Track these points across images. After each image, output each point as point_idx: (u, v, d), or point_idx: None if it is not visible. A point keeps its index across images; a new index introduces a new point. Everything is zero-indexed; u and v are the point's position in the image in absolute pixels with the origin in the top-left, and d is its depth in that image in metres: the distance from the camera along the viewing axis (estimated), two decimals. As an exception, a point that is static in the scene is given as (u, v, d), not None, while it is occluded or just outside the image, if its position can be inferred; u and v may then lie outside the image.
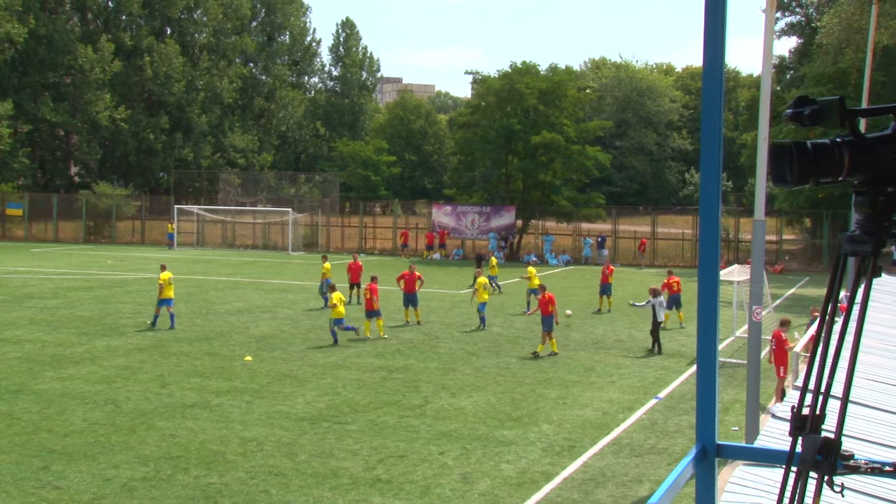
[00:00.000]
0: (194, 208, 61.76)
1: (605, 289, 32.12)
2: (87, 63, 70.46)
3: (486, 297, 27.82)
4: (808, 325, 21.96)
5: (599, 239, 54.09)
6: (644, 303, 25.18)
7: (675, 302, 28.71)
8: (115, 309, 29.53)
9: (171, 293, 26.51)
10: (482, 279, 28.04)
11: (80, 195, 65.66)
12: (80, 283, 37.04)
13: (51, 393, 18.21)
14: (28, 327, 25.89)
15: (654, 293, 24.69)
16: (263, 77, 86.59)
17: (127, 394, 18.23)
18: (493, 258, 38.29)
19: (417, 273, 28.60)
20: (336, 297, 24.45)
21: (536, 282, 31.09)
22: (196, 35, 79.99)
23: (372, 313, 25.51)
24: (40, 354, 22.07)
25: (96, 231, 63.46)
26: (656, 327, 24.39)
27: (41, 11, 70.52)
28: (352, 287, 32.05)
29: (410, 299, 27.94)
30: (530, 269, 32.54)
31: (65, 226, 63.26)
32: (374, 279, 26.48)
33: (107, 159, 75.81)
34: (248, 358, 22.01)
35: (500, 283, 35.31)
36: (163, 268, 27.26)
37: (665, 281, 29.64)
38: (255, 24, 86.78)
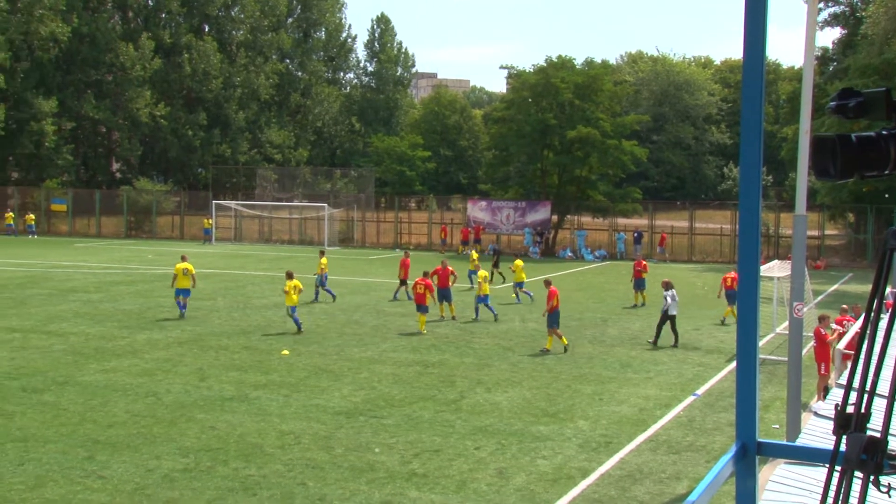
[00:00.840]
0: (232, 203, 62.25)
1: (639, 284, 32.00)
2: (128, 61, 71.32)
3: (487, 289, 28.14)
4: (842, 318, 21.59)
5: (636, 234, 53.75)
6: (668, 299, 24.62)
7: (732, 297, 28.36)
8: (156, 303, 29.86)
9: (186, 284, 26.99)
10: (483, 272, 28.60)
11: (122, 191, 66.50)
12: (121, 277, 37.51)
13: (95, 385, 18.47)
14: (73, 320, 26.27)
15: (667, 286, 24.70)
16: (299, 73, 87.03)
17: (167, 386, 18.44)
18: (473, 252, 37.09)
19: (450, 268, 28.63)
20: (290, 285, 24.57)
21: (522, 276, 31.62)
22: (233, 32, 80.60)
23: (422, 308, 25.61)
24: (84, 347, 22.39)
25: (137, 226, 64.23)
26: (664, 319, 24.30)
27: (84, 10, 71.43)
28: (403, 283, 31.80)
29: (444, 294, 27.96)
30: (517, 262, 32.75)
31: (107, 221, 64.11)
32: (425, 274, 26.99)
33: (147, 155, 76.71)
34: (286, 352, 22.16)
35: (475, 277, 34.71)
36: (182, 258, 27.96)
37: (724, 276, 29.43)
38: (291, 20, 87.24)
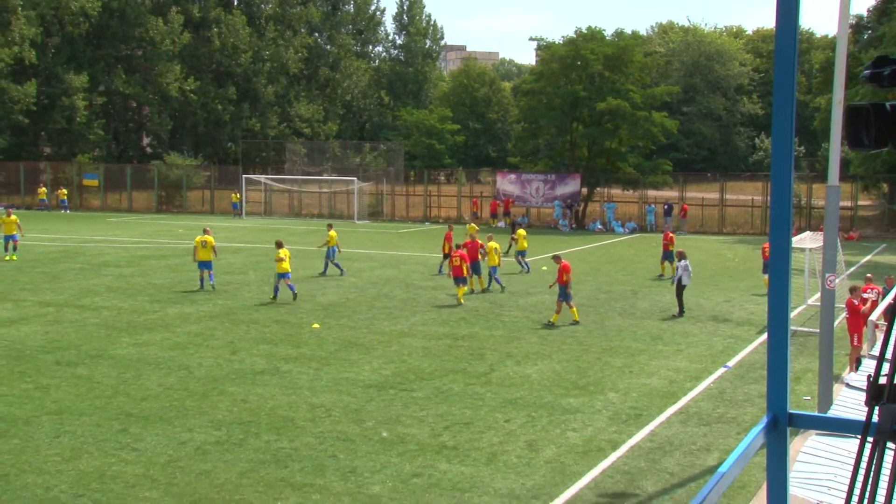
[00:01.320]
0: (261, 178, 62.51)
1: (667, 255, 31.90)
2: (158, 35, 71.59)
3: (497, 261, 28.36)
4: (882, 293, 21.39)
5: (666, 206, 53.37)
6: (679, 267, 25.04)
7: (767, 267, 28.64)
8: (187, 277, 30.12)
9: (205, 256, 27.33)
10: (493, 244, 28.53)
11: (152, 166, 67.01)
12: (152, 251, 37.87)
13: (127, 358, 18.72)
14: (105, 294, 26.60)
15: (681, 256, 25.20)
16: (328, 47, 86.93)
17: (199, 360, 18.64)
18: (471, 226, 35.73)
19: (480, 241, 28.68)
20: (283, 252, 25.58)
21: (525, 244, 31.79)
22: (262, 6, 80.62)
23: (460, 279, 26.01)
24: (117, 321, 22.67)
25: (168, 200, 64.74)
26: (680, 290, 24.59)
27: (113, -15, 71.78)
28: (447, 257, 31.72)
29: (474, 267, 27.98)
30: (520, 231, 33.22)
31: (138, 196, 64.66)
32: (458, 247, 27.36)
33: (177, 130, 77.17)
34: (316, 325, 22.30)
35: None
36: (204, 231, 28.25)
37: (764, 245, 30.20)
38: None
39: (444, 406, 15.50)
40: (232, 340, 20.58)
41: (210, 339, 20.75)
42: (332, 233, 31.42)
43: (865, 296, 19.60)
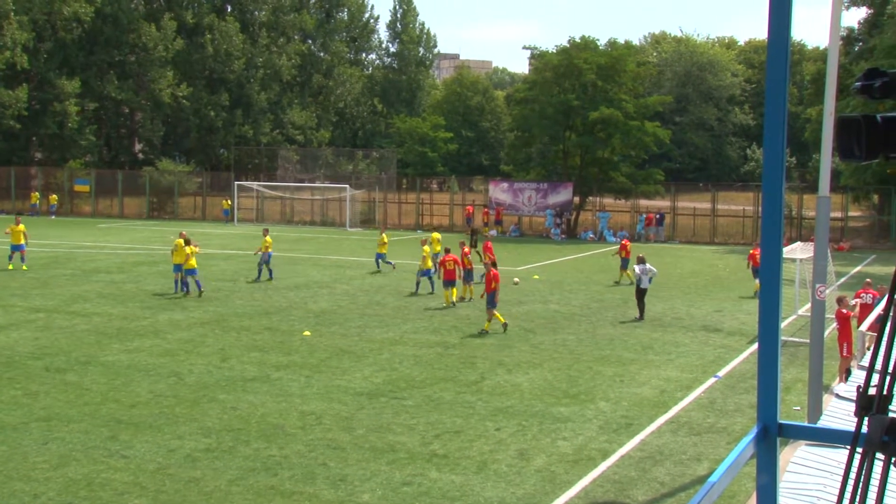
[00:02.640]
0: (254, 184, 62.47)
1: (625, 263, 32.78)
2: (151, 41, 71.55)
3: (430, 265, 29.04)
4: (858, 297, 21.51)
5: (658, 216, 53.53)
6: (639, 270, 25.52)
7: (757, 272, 29.74)
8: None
9: (181, 260, 27.96)
10: (427, 248, 29.26)
11: (144, 172, 66.88)
12: (144, 258, 37.78)
13: (118, 365, 18.65)
14: (96, 301, 26.51)
15: (640, 261, 25.81)
16: (322, 54, 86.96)
17: (190, 367, 18.59)
18: (383, 236, 35.08)
19: (467, 249, 29.04)
20: (190, 249, 27.43)
21: (437, 247, 32.28)
22: (255, 12, 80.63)
23: (450, 283, 26.51)
24: (107, 327, 22.59)
25: (159, 207, 64.62)
26: (640, 294, 25.21)
27: (106, -9, 71.74)
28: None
29: (466, 274, 28.13)
30: (434, 234, 34.52)
31: (129, 202, 64.52)
32: (448, 251, 27.98)
33: (169, 136, 77.05)
34: (307, 333, 22.27)
35: (391, 261, 34.14)
36: (182, 237, 29.03)
37: (751, 252, 31.61)
38: (313, 0, 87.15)
39: (435, 414, 15.48)
40: (223, 347, 20.53)
41: (201, 346, 20.69)
42: (268, 238, 31.52)
43: (855, 301, 19.67)
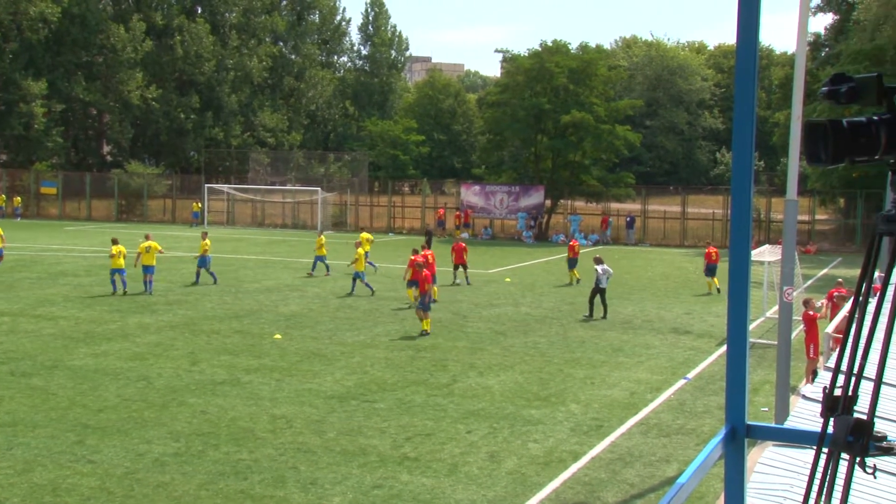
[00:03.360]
0: (224, 187, 62.12)
1: (572, 263, 33.48)
2: (119, 42, 70.92)
3: (363, 267, 29.45)
4: (827, 302, 21.84)
5: (628, 219, 53.86)
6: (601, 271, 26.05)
7: (711, 271, 31.70)
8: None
9: (150, 261, 28.63)
10: (361, 250, 29.65)
11: (113, 174, 66.26)
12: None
13: (85, 369, 18.46)
14: (62, 304, 26.23)
15: (598, 261, 26.45)
16: (293, 56, 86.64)
17: (159, 370, 18.44)
18: (321, 237, 34.84)
19: (418, 256, 29.27)
20: (115, 249, 28.05)
21: (367, 247, 32.47)
22: (226, 14, 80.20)
23: (414, 283, 26.36)
24: (74, 331, 22.35)
25: (128, 209, 64.05)
26: (595, 293, 25.79)
27: (73, -9, 71.04)
28: (456, 268, 32.16)
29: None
30: (364, 234, 35.17)
31: (97, 204, 63.89)
32: (415, 251, 28.38)
33: (138, 138, 76.40)
34: (278, 336, 22.17)
35: (328, 264, 33.84)
36: (146, 237, 29.85)
37: (706, 251, 32.86)
38: (284, 2, 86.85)
39: (406, 417, 15.46)
40: (192, 351, 20.38)
41: (170, 349, 20.53)
42: (207, 241, 31.48)
43: (822, 303, 19.89)
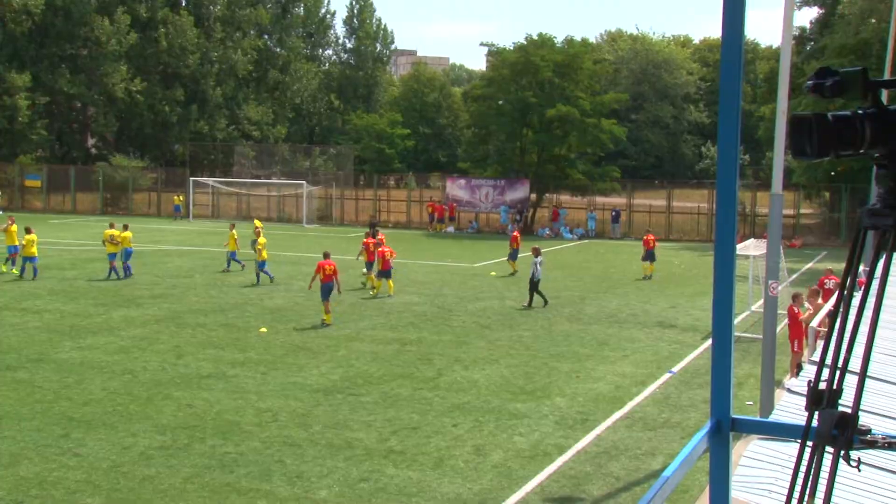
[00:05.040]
0: (209, 181, 61.84)
1: (513, 254, 34.12)
2: (104, 35, 70.42)
3: (266, 255, 29.76)
4: (811, 293, 21.94)
5: (613, 213, 53.90)
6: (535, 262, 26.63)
7: (650, 256, 33.36)
8: (132, 280, 29.70)
9: (112, 249, 30.10)
10: (263, 240, 29.89)
11: (97, 167, 65.87)
12: (97, 254, 37.17)
13: (70, 362, 18.38)
14: (47, 298, 26.08)
15: (536, 252, 27.06)
16: (278, 49, 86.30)
17: (144, 364, 18.38)
18: (233, 232, 33.18)
19: (371, 240, 29.71)
20: (29, 238, 29.20)
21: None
22: (210, 7, 79.70)
23: (388, 273, 27.30)
24: (59, 324, 22.25)
25: (113, 203, 63.69)
26: (534, 285, 26.38)
27: (57, -17, 70.51)
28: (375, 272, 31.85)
29: (383, 273, 28.15)
30: (257, 222, 36.00)
31: (82, 197, 63.52)
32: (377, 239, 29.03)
33: (123, 131, 75.98)
34: (263, 329, 22.14)
35: (241, 261, 32.73)
36: (110, 225, 31.29)
37: (644, 238, 34.67)
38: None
39: (392, 411, 15.47)
40: (178, 344, 20.33)
41: (155, 342, 20.47)
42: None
43: (807, 306, 19.94)
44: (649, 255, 33.56)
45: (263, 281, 29.61)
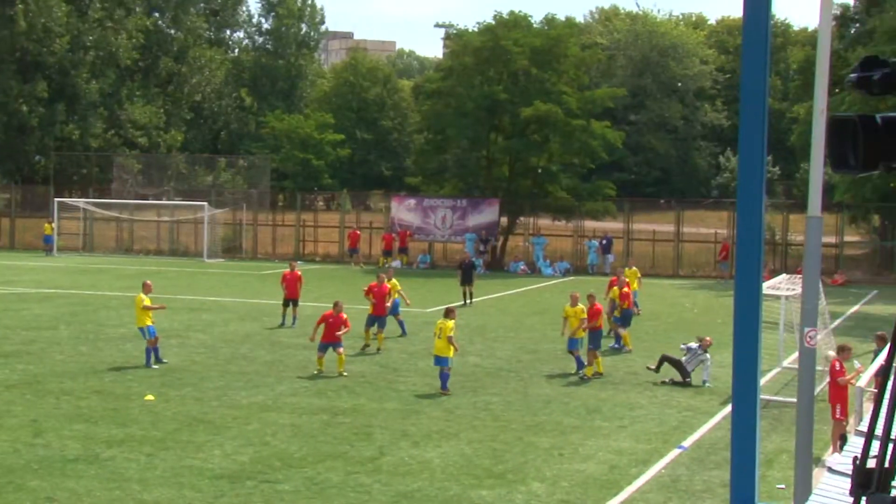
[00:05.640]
0: (80, 202, 61.34)
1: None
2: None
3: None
4: (875, 354, 22.14)
5: (604, 241, 53.80)
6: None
7: (625, 316, 30.11)
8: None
9: None
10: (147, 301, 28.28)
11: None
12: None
13: None
14: None
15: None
16: (172, 31, 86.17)
17: (-11, 444, 18.08)
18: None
19: (387, 286, 29.43)
20: None
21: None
22: (84, -24, 79.57)
23: (329, 345, 25.38)
24: None
25: (-50, 232, 62.94)
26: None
27: None
28: (286, 304, 32.03)
29: (378, 319, 28.42)
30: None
31: None
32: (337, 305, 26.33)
33: (-35, 138, 75.19)
34: (150, 397, 21.90)
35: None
36: None
37: (611, 280, 33.30)
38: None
39: (319, 501, 15.36)
40: (35, 418, 20.03)
41: (5, 416, 20.16)
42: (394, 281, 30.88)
43: (858, 365, 20.12)
44: (624, 316, 29.96)
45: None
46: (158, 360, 25.33)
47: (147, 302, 25.78)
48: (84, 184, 72.33)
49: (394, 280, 30.86)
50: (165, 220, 62.07)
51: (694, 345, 25.20)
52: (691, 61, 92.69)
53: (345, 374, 24.77)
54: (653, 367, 25.19)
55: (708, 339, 25.43)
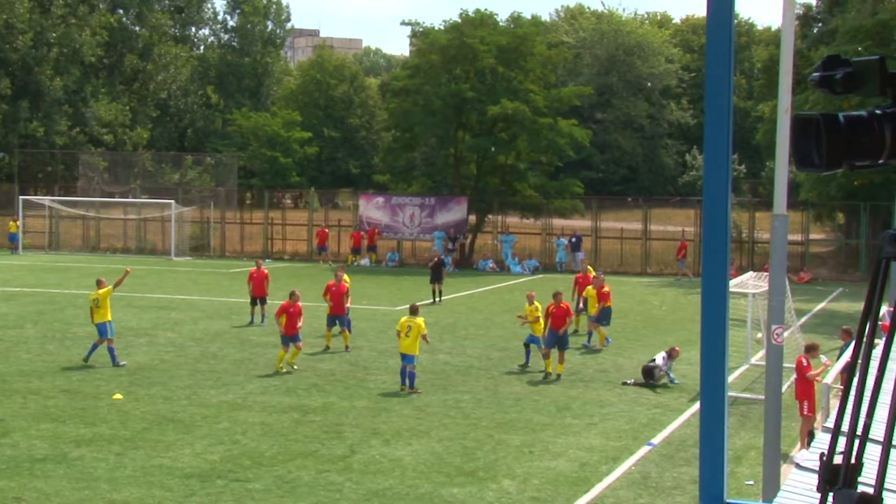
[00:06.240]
0: (45, 200, 60.83)
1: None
2: None
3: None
4: (841, 350, 22.32)
5: (573, 238, 53.85)
6: None
7: (604, 314, 30.28)
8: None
9: None
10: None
11: None
12: None
13: None
14: None
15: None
16: (137, 28, 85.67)
17: (-44, 445, 17.96)
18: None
19: (346, 283, 28.97)
20: None
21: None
22: (49, -28, 78.96)
23: (290, 338, 25.34)
24: None
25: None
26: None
27: None
28: (254, 302, 31.98)
29: (339, 318, 28.13)
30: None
31: None
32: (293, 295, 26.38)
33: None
34: (118, 396, 21.82)
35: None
36: None
37: (577, 276, 34.37)
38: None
39: (290, 500, 15.33)
40: (2, 418, 19.92)
41: (-29, 416, 20.03)
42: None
43: (825, 360, 20.28)
44: (605, 315, 30.12)
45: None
46: (114, 361, 25.07)
47: (110, 290, 26.02)
48: (49, 182, 71.85)
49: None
50: (132, 218, 61.67)
51: (660, 360, 25.04)
52: (657, 60, 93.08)
53: (295, 367, 24.98)
54: (631, 382, 24.98)
55: (677, 348, 25.41)
